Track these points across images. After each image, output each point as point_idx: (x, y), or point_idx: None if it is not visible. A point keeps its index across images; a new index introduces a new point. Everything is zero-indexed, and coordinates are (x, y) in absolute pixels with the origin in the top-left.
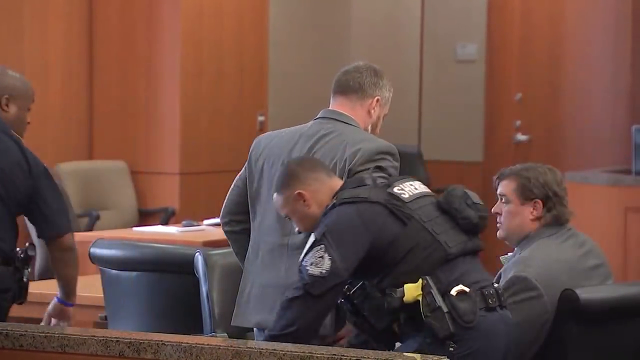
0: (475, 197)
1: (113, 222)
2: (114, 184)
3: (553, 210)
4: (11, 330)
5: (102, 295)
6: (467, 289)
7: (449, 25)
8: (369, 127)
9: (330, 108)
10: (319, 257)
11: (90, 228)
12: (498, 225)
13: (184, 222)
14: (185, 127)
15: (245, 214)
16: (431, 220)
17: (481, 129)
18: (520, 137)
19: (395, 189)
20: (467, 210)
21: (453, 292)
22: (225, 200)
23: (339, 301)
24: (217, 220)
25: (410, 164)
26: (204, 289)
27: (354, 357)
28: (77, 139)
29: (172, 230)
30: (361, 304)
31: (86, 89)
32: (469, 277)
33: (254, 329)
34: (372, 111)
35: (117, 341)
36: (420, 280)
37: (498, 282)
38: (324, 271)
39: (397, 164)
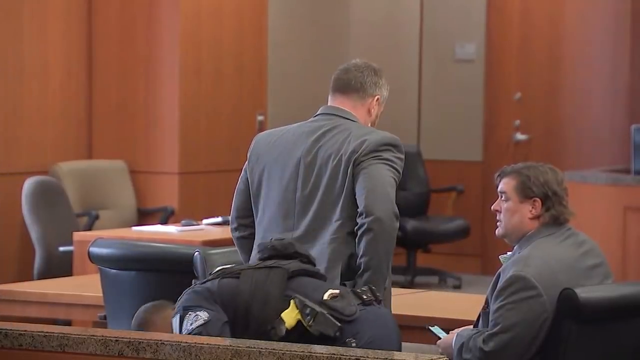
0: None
1: (112, 222)
2: (113, 184)
3: (552, 210)
4: (11, 329)
5: (101, 294)
6: (336, 291)
7: (448, 24)
8: (368, 126)
9: (330, 105)
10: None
11: (89, 227)
12: (497, 223)
13: (183, 222)
14: (185, 126)
15: (251, 217)
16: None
17: (480, 128)
18: (520, 136)
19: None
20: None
21: (325, 296)
22: (232, 207)
23: None
24: (216, 219)
25: (410, 164)
26: None
27: (353, 357)
28: (76, 138)
29: (171, 229)
30: None
31: (85, 88)
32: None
33: None
34: (372, 110)
35: (117, 341)
36: (292, 302)
37: (497, 282)
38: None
39: (401, 155)
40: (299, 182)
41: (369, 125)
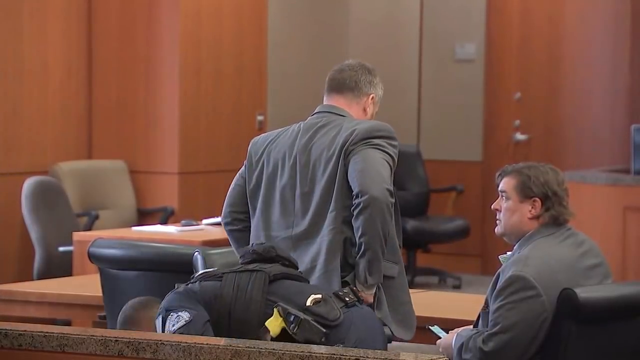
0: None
1: (112, 222)
2: (113, 184)
3: (551, 210)
4: (10, 329)
5: (101, 294)
6: (319, 296)
7: (448, 24)
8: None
9: (325, 104)
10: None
11: (89, 227)
12: (497, 221)
13: (183, 222)
14: (184, 126)
15: (246, 212)
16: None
17: (480, 128)
18: (520, 136)
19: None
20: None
21: (308, 302)
22: (225, 200)
23: None
24: (216, 219)
25: (410, 164)
26: None
27: (353, 357)
28: (76, 138)
29: (171, 229)
30: None
31: (85, 88)
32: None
33: None
34: (367, 109)
35: (116, 341)
36: (275, 310)
37: (497, 282)
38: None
39: (393, 142)
40: (297, 179)
41: None
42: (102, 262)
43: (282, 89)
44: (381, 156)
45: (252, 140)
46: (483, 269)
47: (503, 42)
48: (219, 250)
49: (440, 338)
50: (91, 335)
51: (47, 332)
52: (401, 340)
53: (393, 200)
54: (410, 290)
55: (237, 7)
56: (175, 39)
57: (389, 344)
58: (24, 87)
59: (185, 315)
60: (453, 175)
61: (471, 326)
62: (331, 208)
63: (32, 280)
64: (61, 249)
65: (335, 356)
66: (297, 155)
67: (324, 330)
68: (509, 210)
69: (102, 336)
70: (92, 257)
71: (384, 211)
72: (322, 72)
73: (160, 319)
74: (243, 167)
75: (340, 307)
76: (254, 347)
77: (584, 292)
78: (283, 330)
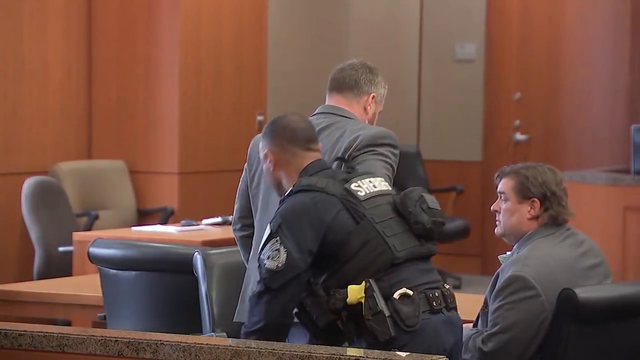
0: (432, 201)
1: (112, 222)
2: (113, 184)
3: (550, 210)
4: (10, 329)
5: (100, 294)
6: (410, 292)
7: (447, 25)
8: (366, 123)
9: (327, 104)
10: (275, 250)
11: (89, 228)
12: (497, 222)
13: (182, 222)
14: (184, 126)
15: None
16: (384, 221)
17: (480, 128)
18: (519, 136)
19: (353, 186)
20: (421, 215)
21: (396, 295)
22: (235, 207)
23: None
24: (216, 219)
25: (409, 164)
26: (202, 288)
27: (353, 356)
28: (76, 138)
29: (171, 229)
30: (305, 300)
31: (85, 88)
32: (414, 280)
33: None
34: (368, 108)
35: (116, 341)
36: (364, 282)
37: (496, 282)
38: (279, 265)
39: (396, 151)
40: None
41: (366, 123)
42: (101, 262)
43: (282, 89)
44: (383, 165)
45: (253, 139)
46: (483, 269)
47: (503, 42)
48: (219, 250)
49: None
50: (91, 335)
51: (47, 332)
52: None
53: None
54: None
55: (237, 7)
56: (175, 39)
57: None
58: (24, 87)
59: (283, 256)
60: (453, 175)
61: (471, 326)
62: None
63: (32, 280)
64: (61, 249)
65: (335, 356)
66: None
67: (392, 335)
68: (508, 211)
69: (102, 336)
70: (92, 257)
71: None
72: (322, 72)
73: (268, 228)
74: (244, 171)
75: (424, 311)
76: (254, 347)
77: (583, 292)
78: (358, 304)
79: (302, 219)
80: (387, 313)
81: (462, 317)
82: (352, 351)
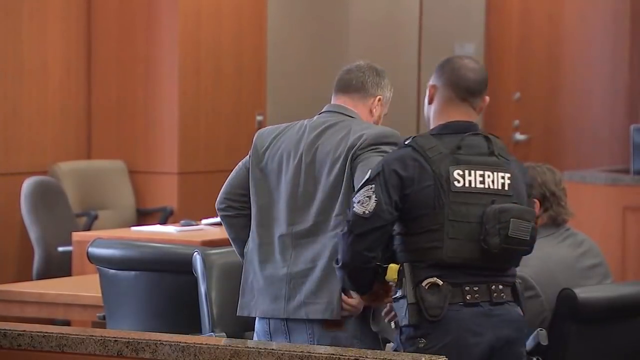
0: (517, 229)
1: (111, 222)
2: (113, 184)
3: (550, 210)
4: (9, 329)
5: (100, 294)
6: (440, 282)
7: (447, 24)
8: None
9: (333, 104)
10: (367, 197)
11: (88, 228)
12: None
13: (182, 222)
14: (184, 126)
15: (242, 201)
16: (458, 221)
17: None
18: (519, 136)
19: (456, 172)
20: (493, 238)
21: (424, 283)
22: (225, 185)
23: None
24: (215, 219)
25: None
26: (202, 288)
27: (352, 356)
28: (75, 138)
29: (170, 229)
30: None
31: (85, 88)
32: (453, 278)
33: (255, 323)
34: (374, 110)
35: (116, 341)
36: (397, 265)
37: None
38: (367, 212)
39: None
40: (302, 177)
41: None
42: (101, 262)
43: (281, 89)
44: None
45: (258, 132)
46: None
47: (502, 42)
48: (219, 251)
49: None
50: (90, 336)
51: (46, 332)
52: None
53: None
54: None
55: (236, 7)
56: (175, 39)
57: (388, 344)
58: (24, 87)
59: (372, 204)
60: None
61: None
62: (336, 211)
63: (32, 280)
64: (60, 249)
65: (334, 356)
66: (303, 153)
67: (411, 322)
68: None
69: (101, 336)
70: (92, 257)
71: None
72: (322, 72)
73: (369, 173)
74: (247, 156)
75: (457, 303)
76: (254, 347)
77: (583, 292)
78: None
79: (399, 175)
80: (411, 300)
81: None
82: (352, 351)
